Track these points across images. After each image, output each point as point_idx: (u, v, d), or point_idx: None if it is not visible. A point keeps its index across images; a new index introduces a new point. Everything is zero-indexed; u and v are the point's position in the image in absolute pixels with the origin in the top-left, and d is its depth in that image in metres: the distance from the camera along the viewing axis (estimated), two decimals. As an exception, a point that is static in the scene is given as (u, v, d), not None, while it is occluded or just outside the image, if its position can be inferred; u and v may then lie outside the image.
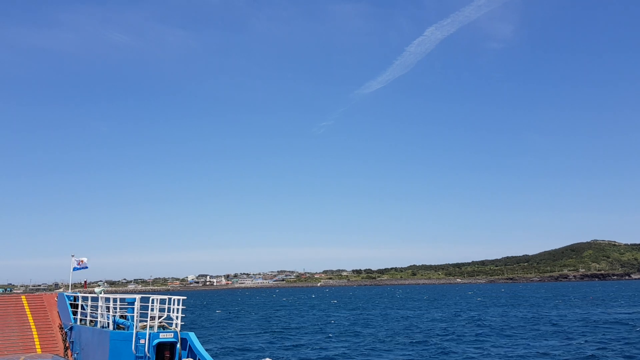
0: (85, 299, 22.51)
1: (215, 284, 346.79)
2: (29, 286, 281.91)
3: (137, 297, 18.99)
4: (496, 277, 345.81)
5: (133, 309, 18.86)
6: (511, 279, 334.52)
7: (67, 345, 22.73)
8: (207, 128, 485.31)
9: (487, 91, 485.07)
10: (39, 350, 21.98)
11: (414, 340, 43.41)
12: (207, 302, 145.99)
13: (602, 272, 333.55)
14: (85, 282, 48.23)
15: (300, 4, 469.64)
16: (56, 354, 20.04)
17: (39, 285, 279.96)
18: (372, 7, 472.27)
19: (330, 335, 48.91)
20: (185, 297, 19.94)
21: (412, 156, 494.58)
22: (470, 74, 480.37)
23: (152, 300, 18.86)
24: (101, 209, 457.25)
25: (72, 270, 25.39)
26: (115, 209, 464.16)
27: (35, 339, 22.55)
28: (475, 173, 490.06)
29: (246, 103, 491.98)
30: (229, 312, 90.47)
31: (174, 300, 19.34)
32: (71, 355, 22.08)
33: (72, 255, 25.31)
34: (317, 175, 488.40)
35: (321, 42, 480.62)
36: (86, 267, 25.30)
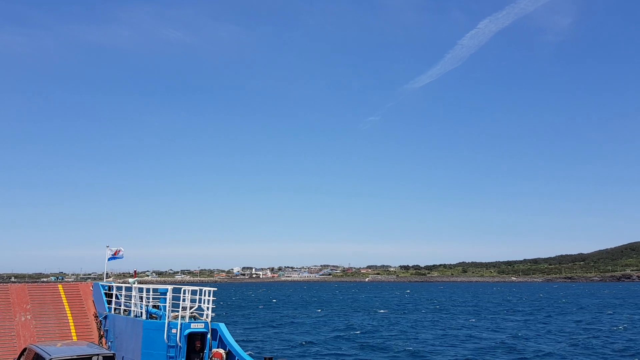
0: (119, 288, 22.75)
1: (261, 276, 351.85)
2: (80, 275, 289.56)
3: (169, 287, 19.04)
4: (553, 275, 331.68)
5: (165, 299, 18.89)
6: (569, 278, 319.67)
7: (101, 333, 22.99)
8: (257, 123, 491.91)
9: (544, 88, 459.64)
10: (74, 338, 22.31)
11: None
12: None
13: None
14: (135, 271, 49.31)
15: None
16: (91, 342, 20.11)
17: (90, 274, 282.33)
18: (426, 0, 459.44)
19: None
20: (215, 289, 19.79)
21: (462, 153, 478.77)
22: (524, 68, 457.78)
23: (184, 291, 18.93)
24: (151, 199, 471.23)
25: (107, 260, 25.74)
26: (165, 201, 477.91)
27: (71, 327, 22.92)
28: (525, 174, 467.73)
29: (294, 98, 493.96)
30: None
31: (204, 291, 19.33)
32: (105, 343, 22.31)
33: (107, 246, 25.78)
34: (358, 171, 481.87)
35: (372, 35, 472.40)
36: (121, 257, 25.60)
